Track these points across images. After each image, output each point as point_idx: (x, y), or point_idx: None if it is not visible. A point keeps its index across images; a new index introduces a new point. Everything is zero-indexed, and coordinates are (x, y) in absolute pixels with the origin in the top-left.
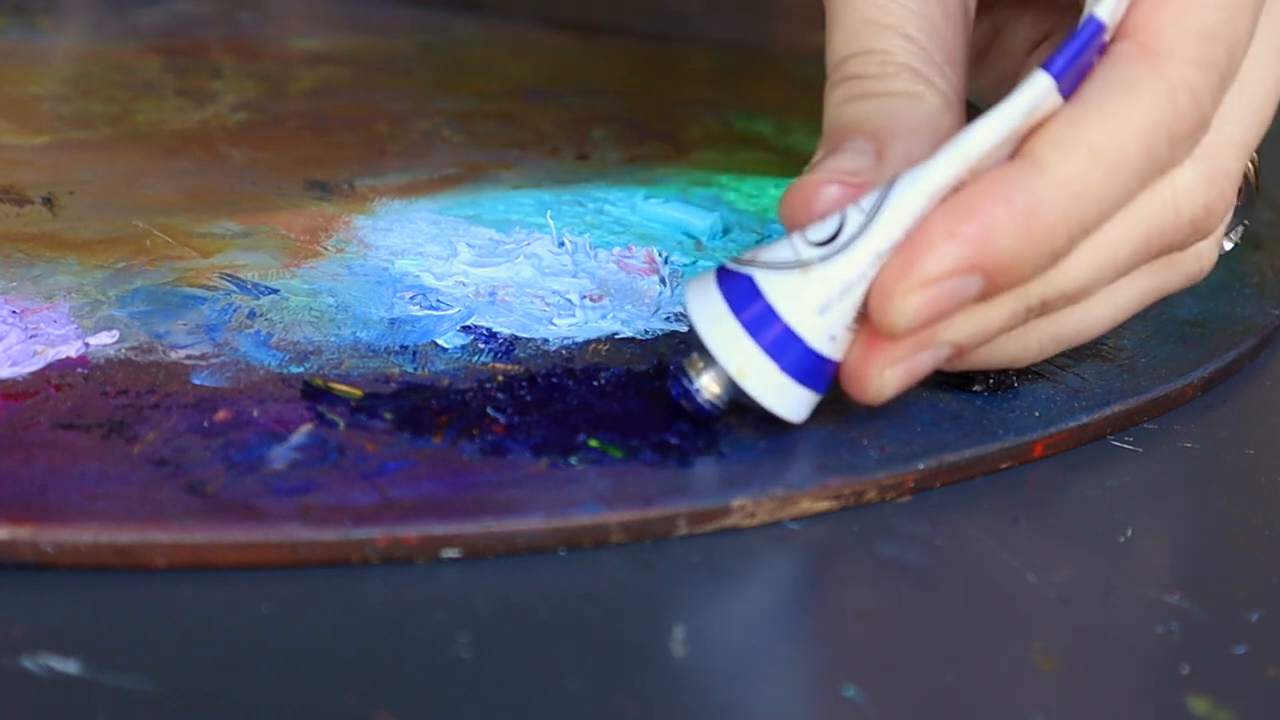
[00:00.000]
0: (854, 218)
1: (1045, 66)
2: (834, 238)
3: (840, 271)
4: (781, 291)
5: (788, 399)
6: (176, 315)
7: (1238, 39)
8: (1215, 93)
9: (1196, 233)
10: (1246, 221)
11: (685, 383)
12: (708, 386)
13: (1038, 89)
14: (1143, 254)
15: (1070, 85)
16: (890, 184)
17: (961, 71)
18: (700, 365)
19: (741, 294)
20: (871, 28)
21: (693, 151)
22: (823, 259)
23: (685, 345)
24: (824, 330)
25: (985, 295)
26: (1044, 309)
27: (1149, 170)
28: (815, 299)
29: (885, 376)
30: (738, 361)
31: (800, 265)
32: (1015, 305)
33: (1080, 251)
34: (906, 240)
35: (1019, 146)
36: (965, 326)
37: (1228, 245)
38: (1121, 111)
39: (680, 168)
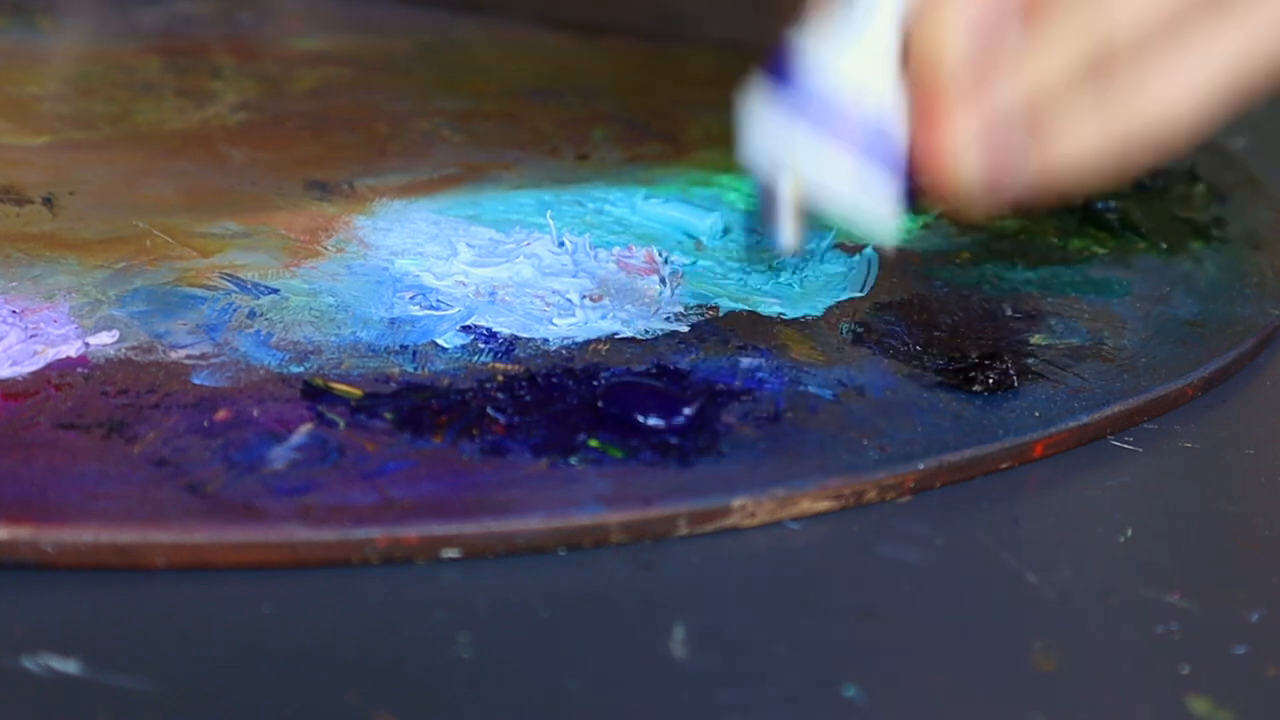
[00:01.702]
0: None
1: None
2: None
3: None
4: (816, 53)
5: (849, 173)
6: (176, 315)
7: None
8: None
9: None
10: None
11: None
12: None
13: None
14: None
15: None
16: None
17: None
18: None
19: (781, 66)
20: None
21: (693, 151)
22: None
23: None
24: (863, 83)
25: (1029, 23)
26: (1107, 56)
27: None
28: (846, 49)
29: (958, 135)
30: (790, 139)
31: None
32: (1067, 45)
33: None
34: None
35: None
36: (1019, 73)
37: None
38: None
39: (680, 168)
